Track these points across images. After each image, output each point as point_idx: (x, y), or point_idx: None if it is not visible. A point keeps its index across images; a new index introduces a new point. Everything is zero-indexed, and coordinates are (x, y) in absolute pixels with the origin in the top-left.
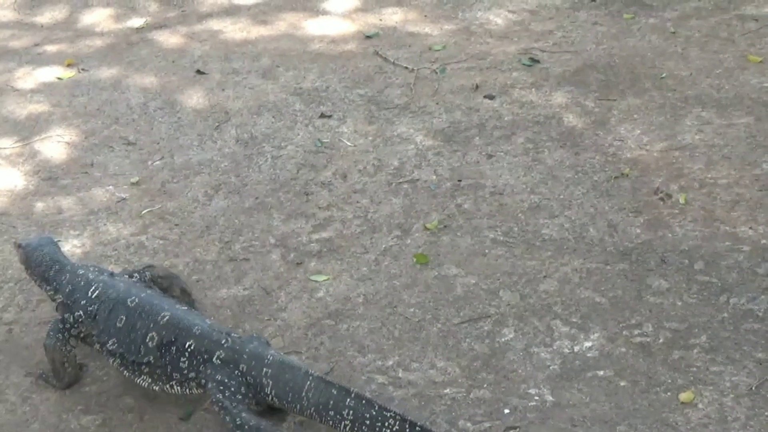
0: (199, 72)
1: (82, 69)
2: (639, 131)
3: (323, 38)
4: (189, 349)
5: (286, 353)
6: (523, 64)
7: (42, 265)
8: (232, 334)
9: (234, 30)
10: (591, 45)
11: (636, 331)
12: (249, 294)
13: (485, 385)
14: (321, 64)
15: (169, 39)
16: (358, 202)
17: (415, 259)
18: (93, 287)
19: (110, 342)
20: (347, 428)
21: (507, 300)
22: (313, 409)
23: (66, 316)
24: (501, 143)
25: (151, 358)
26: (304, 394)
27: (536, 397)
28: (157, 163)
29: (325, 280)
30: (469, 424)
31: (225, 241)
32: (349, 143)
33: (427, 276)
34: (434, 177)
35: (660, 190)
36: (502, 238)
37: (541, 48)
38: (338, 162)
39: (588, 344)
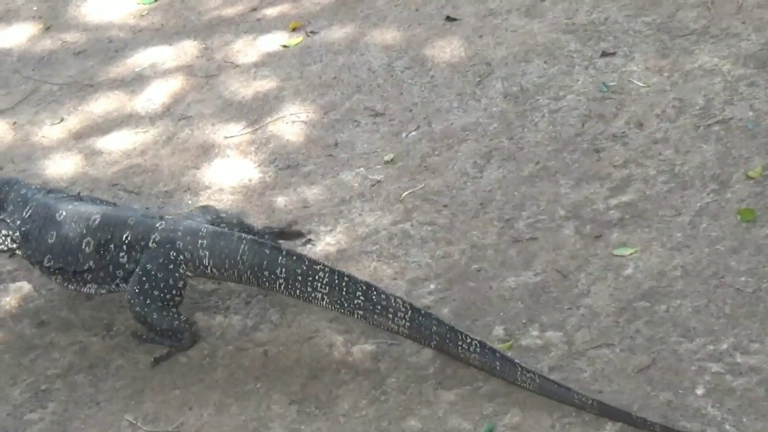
0: (449, 18)
1: (311, 32)
2: None
3: None
4: (126, 241)
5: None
6: None
7: None
8: (166, 217)
9: None
10: None
11: None
12: (542, 280)
13: None
14: None
15: None
16: (660, 154)
17: (739, 216)
18: (27, 207)
19: (46, 260)
20: (282, 287)
21: None
22: (249, 272)
23: (4, 232)
24: None
25: (92, 263)
26: (239, 258)
27: None
28: (413, 134)
29: (632, 254)
30: None
31: (505, 219)
32: (640, 83)
33: (757, 235)
34: (751, 113)
35: None
36: None
37: None
38: (630, 108)
39: None
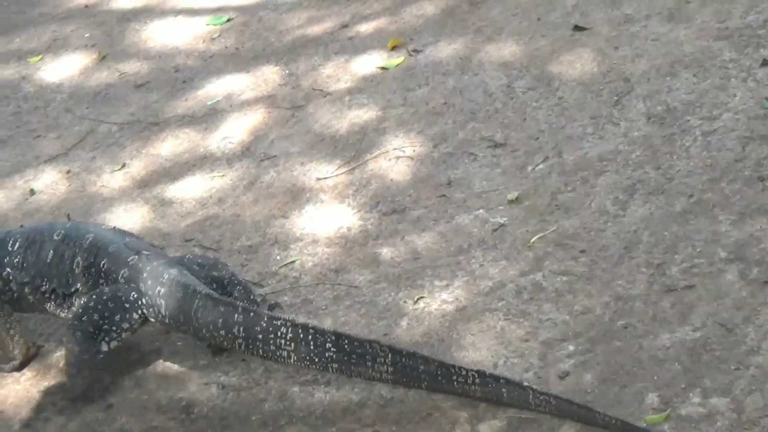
0: (577, 28)
1: (413, 50)
2: None
3: None
4: (104, 269)
5: None
6: None
7: None
8: (144, 252)
9: None
10: None
11: None
12: (702, 335)
13: None
14: None
15: None
16: None
17: None
18: (11, 242)
19: (44, 283)
20: (242, 346)
21: None
22: (205, 330)
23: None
24: None
25: (79, 285)
26: (193, 314)
27: None
28: (541, 166)
29: None
30: None
31: (655, 265)
32: None
33: None
34: None
35: None
36: None
37: None
38: None
39: None
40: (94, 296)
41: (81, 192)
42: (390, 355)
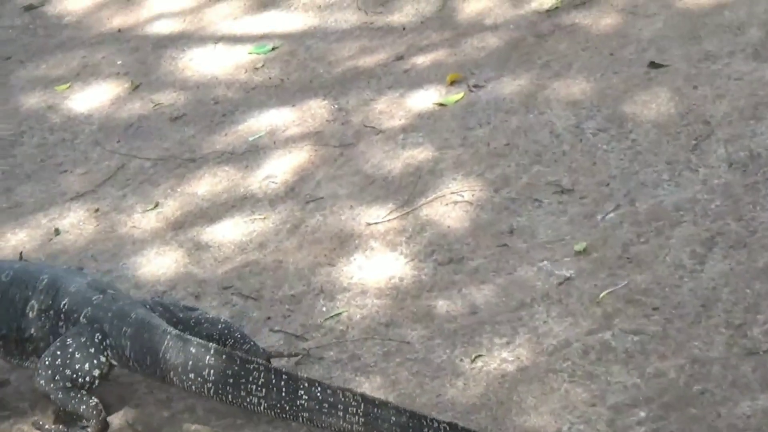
0: (653, 65)
1: (474, 86)
2: None
3: None
4: (64, 309)
5: None
6: None
7: None
8: (108, 291)
9: None
10: None
11: None
12: None
13: None
14: None
15: (599, 20)
16: None
17: None
18: None
19: None
20: (211, 391)
21: None
22: (172, 373)
23: None
24: None
25: (33, 330)
26: (161, 355)
27: None
28: (611, 215)
29: None
30: None
31: (736, 325)
32: None
33: None
34: None
35: None
36: None
37: None
38: None
39: None
40: (58, 347)
41: (110, 233)
42: (362, 405)
